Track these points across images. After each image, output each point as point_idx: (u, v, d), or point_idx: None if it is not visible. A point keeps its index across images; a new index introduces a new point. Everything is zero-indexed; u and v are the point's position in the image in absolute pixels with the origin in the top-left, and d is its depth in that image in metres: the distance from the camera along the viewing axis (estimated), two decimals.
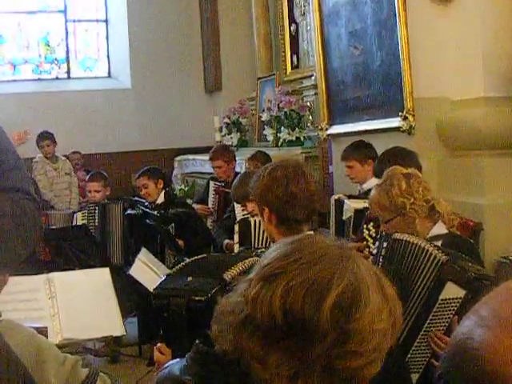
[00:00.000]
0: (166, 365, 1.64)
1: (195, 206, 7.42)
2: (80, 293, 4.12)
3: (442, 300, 2.89)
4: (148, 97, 12.11)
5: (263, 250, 3.30)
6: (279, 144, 8.96)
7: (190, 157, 10.98)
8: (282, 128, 8.91)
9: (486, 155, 5.35)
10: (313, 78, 8.39)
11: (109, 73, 12.82)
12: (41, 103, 11.41)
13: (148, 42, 12.07)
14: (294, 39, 10.06)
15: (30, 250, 1.94)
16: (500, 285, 1.04)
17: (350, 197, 5.29)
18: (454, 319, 2.82)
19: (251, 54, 11.02)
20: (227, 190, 6.93)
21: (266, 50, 10.61)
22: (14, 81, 12.21)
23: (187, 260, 3.11)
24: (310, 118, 8.91)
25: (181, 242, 6.25)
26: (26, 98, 11.45)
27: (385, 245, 3.24)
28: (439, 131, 5.70)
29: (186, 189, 10.12)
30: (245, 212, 5.35)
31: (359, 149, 5.55)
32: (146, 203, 6.66)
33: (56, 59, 12.63)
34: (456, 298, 2.84)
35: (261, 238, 4.79)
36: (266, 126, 9.46)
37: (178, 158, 11.58)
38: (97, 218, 6.64)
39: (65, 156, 9.69)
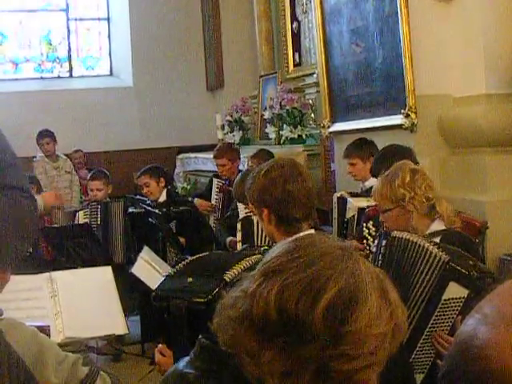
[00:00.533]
0: (176, 364, 1.64)
1: (196, 200, 7.41)
2: (82, 291, 4.12)
3: (444, 300, 2.88)
4: (150, 95, 12.12)
5: (266, 247, 3.30)
6: (281, 142, 8.95)
7: (192, 155, 10.97)
8: (284, 126, 8.90)
9: (487, 152, 5.35)
10: (315, 75, 8.38)
11: (111, 71, 12.83)
12: (43, 102, 11.43)
13: (150, 40, 12.07)
14: (296, 37, 10.05)
15: (28, 246, 1.94)
16: (503, 282, 1.04)
17: (352, 194, 5.29)
18: (457, 319, 2.81)
19: (253, 51, 11.01)
20: (231, 188, 6.93)
21: (267, 47, 10.60)
22: (16, 79, 12.23)
23: (188, 259, 3.11)
24: (312, 115, 8.90)
25: (182, 240, 6.25)
26: (28, 97, 11.46)
27: (384, 243, 3.24)
28: (441, 128, 5.70)
29: (188, 187, 10.12)
30: (247, 210, 5.35)
31: (361, 146, 5.55)
32: (148, 201, 6.66)
33: (58, 58, 12.65)
34: (459, 298, 2.83)
35: (263, 236, 4.78)
36: (268, 124, 9.45)
37: (180, 156, 11.58)
38: (99, 216, 6.64)
39: (67, 155, 9.69)
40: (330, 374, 1.36)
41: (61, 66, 12.67)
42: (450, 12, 5.54)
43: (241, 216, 5.58)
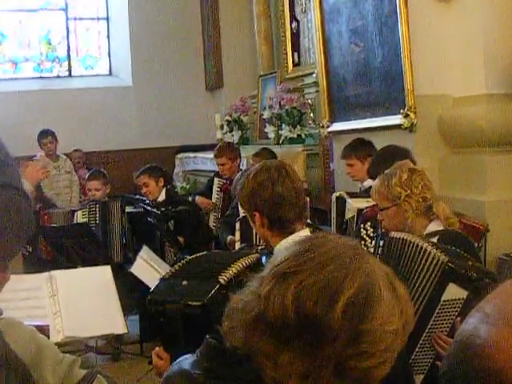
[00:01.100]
0: (176, 362, 1.62)
1: (197, 198, 7.43)
2: (82, 291, 4.12)
3: (444, 301, 2.87)
4: (149, 94, 12.11)
5: (263, 246, 3.30)
6: (280, 141, 8.96)
7: (192, 154, 10.97)
8: (284, 125, 8.91)
9: (487, 152, 5.35)
10: (314, 75, 8.38)
11: (110, 71, 12.83)
12: (42, 101, 11.43)
13: (149, 40, 12.07)
14: (295, 36, 10.05)
15: (23, 246, 1.95)
16: (503, 282, 1.04)
17: (350, 194, 5.28)
18: (456, 321, 2.80)
19: (252, 51, 11.02)
20: (231, 188, 6.94)
21: (267, 47, 10.61)
22: (16, 79, 12.23)
23: (184, 259, 3.10)
24: (312, 115, 8.90)
25: (181, 239, 6.25)
26: (28, 96, 11.46)
27: (381, 243, 3.24)
28: (441, 128, 5.70)
29: (188, 187, 10.12)
30: None
31: (359, 147, 5.55)
32: (147, 201, 6.67)
33: (57, 57, 12.64)
34: (458, 299, 2.82)
35: None
36: (267, 124, 9.46)
37: (180, 156, 11.59)
38: (97, 216, 6.64)
39: (66, 154, 9.69)
40: (348, 372, 1.37)
41: (60, 66, 12.67)
42: (449, 12, 5.54)
43: (241, 215, 5.58)
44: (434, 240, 3.31)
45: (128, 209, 6.73)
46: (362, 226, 4.51)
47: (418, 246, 3.06)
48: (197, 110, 12.10)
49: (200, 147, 10.93)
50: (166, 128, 11.95)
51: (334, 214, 5.39)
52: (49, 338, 2.82)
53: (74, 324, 3.91)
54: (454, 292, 2.85)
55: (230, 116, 10.64)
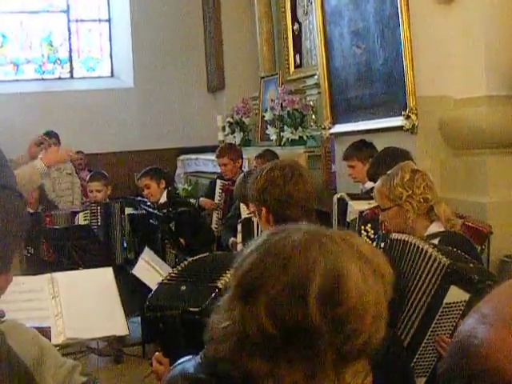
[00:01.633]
0: (177, 363, 1.61)
1: (201, 199, 7.47)
2: (83, 292, 4.12)
3: (446, 304, 2.87)
4: (151, 96, 12.13)
5: None
6: (282, 143, 8.96)
7: (193, 156, 10.98)
8: (285, 127, 8.91)
9: (488, 154, 5.35)
10: (316, 77, 8.38)
11: (112, 72, 12.84)
12: (44, 103, 11.44)
13: (151, 42, 12.08)
14: (297, 38, 10.05)
15: (20, 245, 1.95)
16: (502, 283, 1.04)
17: (352, 196, 5.28)
18: (459, 323, 2.79)
19: (254, 53, 11.01)
20: (233, 188, 6.95)
21: (268, 49, 10.61)
22: (17, 81, 12.24)
23: (183, 262, 3.09)
24: (313, 117, 8.90)
25: (182, 241, 6.26)
26: (29, 98, 11.47)
27: (382, 245, 3.24)
28: (442, 130, 5.70)
29: (189, 188, 10.12)
30: (249, 211, 5.36)
31: (360, 148, 5.56)
32: (149, 203, 6.67)
33: (59, 59, 12.66)
34: (460, 302, 2.81)
35: None
36: (268, 126, 9.46)
37: (181, 158, 11.59)
38: (99, 217, 6.65)
39: None
40: (348, 355, 1.37)
41: (62, 68, 12.68)
42: (450, 13, 5.55)
43: (242, 217, 5.59)
44: (436, 241, 3.30)
45: (129, 210, 6.74)
46: (362, 227, 4.51)
47: (419, 248, 3.05)
48: (198, 112, 12.11)
49: (202, 149, 10.93)
50: (167, 130, 11.96)
51: (335, 216, 5.39)
52: (50, 339, 2.83)
53: (76, 326, 3.91)
54: (456, 294, 2.84)
55: (232, 117, 10.65)
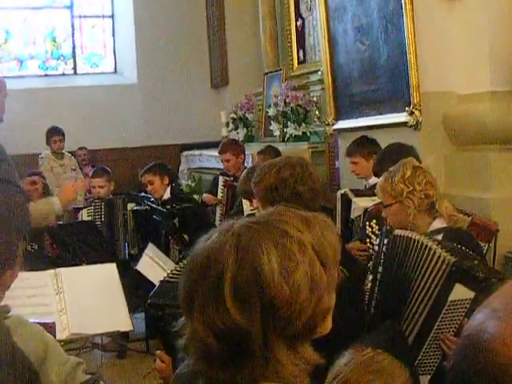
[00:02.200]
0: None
1: (204, 195, 7.47)
2: (87, 288, 4.13)
3: (451, 302, 2.86)
4: (154, 92, 12.12)
5: None
6: (286, 139, 8.96)
7: (197, 152, 10.98)
8: (289, 123, 8.91)
9: (492, 150, 5.34)
10: (319, 73, 8.38)
11: (115, 68, 12.84)
12: (47, 99, 11.44)
13: (154, 38, 12.07)
14: (301, 34, 10.04)
15: (21, 239, 1.96)
16: (510, 279, 1.04)
17: (355, 192, 5.28)
18: (464, 322, 2.78)
19: (257, 49, 11.01)
20: (236, 184, 6.94)
21: (272, 45, 10.60)
22: (21, 77, 12.23)
23: (186, 259, 3.09)
24: (317, 112, 8.90)
25: (186, 237, 6.26)
26: (33, 94, 11.47)
27: (386, 241, 3.24)
28: (446, 126, 5.69)
29: (193, 184, 10.12)
30: (252, 207, 5.35)
31: (363, 144, 5.56)
32: (153, 199, 6.67)
33: (62, 55, 12.66)
34: (465, 300, 2.81)
35: None
36: (272, 121, 9.45)
37: (185, 154, 11.59)
38: (103, 213, 6.66)
39: (71, 152, 9.70)
40: (300, 339, 1.37)
41: (65, 64, 12.69)
42: (454, 9, 5.54)
43: (245, 213, 5.58)
44: (439, 237, 3.30)
45: (132, 206, 6.74)
46: (367, 223, 4.51)
47: (423, 244, 3.05)
48: (202, 108, 12.11)
49: (205, 145, 10.93)
50: (171, 126, 11.96)
51: (338, 212, 5.39)
52: (54, 335, 2.83)
53: (80, 321, 3.92)
54: (461, 292, 2.83)
55: (235, 113, 10.64)
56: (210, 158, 9.82)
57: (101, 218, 6.65)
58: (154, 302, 2.86)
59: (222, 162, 7.43)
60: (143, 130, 12.04)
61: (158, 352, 2.79)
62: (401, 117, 5.75)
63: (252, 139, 10.41)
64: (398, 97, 5.83)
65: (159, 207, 6.35)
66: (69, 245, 5.98)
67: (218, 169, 8.05)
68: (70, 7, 12.58)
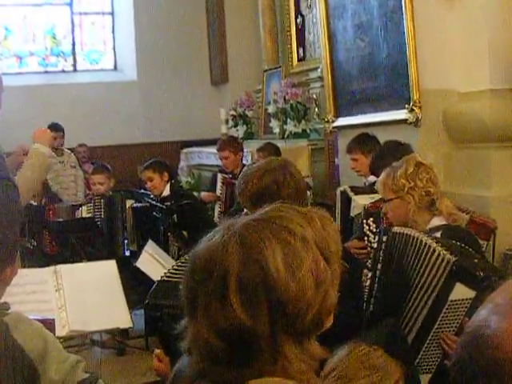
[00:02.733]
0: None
1: (202, 193, 7.47)
2: (87, 285, 4.13)
3: (451, 301, 2.86)
4: (154, 89, 12.12)
5: None
6: (285, 136, 8.96)
7: (196, 149, 10.98)
8: (288, 120, 8.91)
9: (492, 147, 5.34)
10: (319, 70, 8.37)
11: (115, 65, 12.83)
12: (47, 96, 11.44)
13: (154, 35, 12.07)
14: (300, 31, 10.04)
15: (16, 235, 1.96)
16: (508, 278, 1.04)
17: (354, 189, 5.27)
18: (464, 320, 2.78)
19: (257, 46, 11.00)
20: (235, 182, 6.94)
21: (272, 42, 10.60)
22: (20, 73, 12.23)
23: (183, 257, 3.08)
24: (316, 110, 8.90)
25: (185, 233, 6.25)
26: (32, 91, 11.47)
27: (384, 238, 3.24)
28: (445, 123, 5.69)
29: (192, 181, 10.12)
30: None
31: (364, 141, 5.55)
32: (152, 196, 6.67)
33: (62, 52, 12.65)
34: (466, 299, 2.81)
35: None
36: (272, 119, 9.46)
37: (185, 151, 11.59)
38: (102, 210, 6.65)
39: (71, 149, 9.69)
40: (307, 336, 1.37)
41: (65, 60, 12.68)
42: (454, 7, 5.53)
43: (245, 210, 5.58)
44: (438, 235, 3.31)
45: (130, 203, 6.73)
46: (364, 221, 4.51)
47: (422, 242, 3.05)
48: (202, 105, 12.10)
49: (205, 142, 10.93)
50: (170, 122, 11.96)
51: (338, 209, 5.39)
52: (54, 332, 2.84)
53: (79, 318, 3.92)
54: (461, 292, 2.83)
55: (235, 110, 10.63)
56: (210, 155, 9.82)
57: (100, 214, 6.64)
58: (151, 302, 2.84)
59: (220, 159, 7.42)
60: (143, 126, 12.04)
61: (157, 351, 2.78)
62: (400, 114, 5.75)
63: (252, 136, 10.41)
64: (398, 94, 5.83)
65: (159, 204, 6.35)
66: (68, 242, 5.98)
67: (218, 166, 8.04)
68: (70, 4, 12.57)
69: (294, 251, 1.37)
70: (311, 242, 1.40)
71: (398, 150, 4.38)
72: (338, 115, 6.95)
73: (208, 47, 12.39)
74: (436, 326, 2.91)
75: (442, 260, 2.91)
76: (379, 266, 3.22)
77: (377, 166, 4.44)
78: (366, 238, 4.44)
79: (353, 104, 6.65)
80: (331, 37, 6.87)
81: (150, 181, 6.64)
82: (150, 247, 5.43)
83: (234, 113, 10.65)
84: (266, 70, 10.53)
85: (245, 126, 10.52)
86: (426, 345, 2.95)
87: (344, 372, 1.82)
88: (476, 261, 2.90)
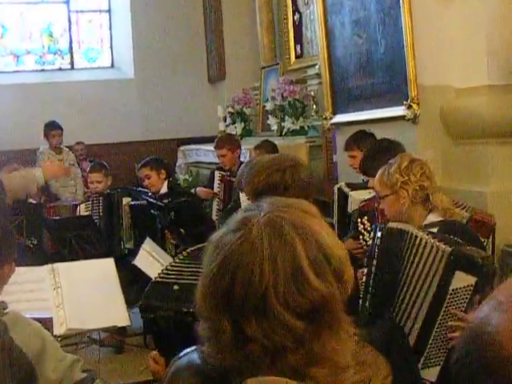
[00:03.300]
0: (182, 354, 1.60)
1: (198, 189, 7.46)
2: (85, 283, 4.12)
3: (452, 290, 2.87)
4: (151, 87, 12.11)
5: None
6: (283, 133, 8.95)
7: (194, 147, 10.96)
8: (286, 117, 8.90)
9: (490, 143, 5.34)
10: (316, 67, 8.37)
11: (112, 63, 12.81)
12: (44, 94, 11.43)
13: (151, 32, 12.06)
14: (298, 28, 10.02)
15: (13, 233, 1.96)
16: (504, 273, 1.04)
17: (350, 186, 5.27)
18: (475, 299, 2.79)
19: (255, 43, 10.99)
20: (232, 179, 6.93)
21: (269, 39, 10.58)
22: (17, 72, 12.22)
23: (177, 257, 3.07)
24: (314, 107, 8.89)
25: (182, 231, 6.25)
26: (29, 89, 11.46)
27: (379, 234, 3.24)
28: (443, 119, 5.69)
29: (190, 179, 10.12)
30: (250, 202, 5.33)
31: (361, 138, 5.54)
32: (150, 193, 6.67)
33: (59, 50, 12.63)
34: (467, 286, 2.83)
35: None
36: (269, 116, 9.44)
37: (182, 148, 11.57)
38: (101, 208, 6.65)
39: (68, 147, 9.68)
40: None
41: (62, 58, 12.65)
42: (452, 3, 5.53)
43: (242, 205, 5.58)
44: (434, 230, 3.31)
45: (126, 201, 6.72)
46: (359, 220, 4.50)
47: (416, 236, 3.07)
48: (199, 102, 12.09)
49: (202, 139, 10.91)
50: (168, 120, 11.95)
51: (335, 206, 5.39)
52: (52, 330, 2.83)
53: (77, 316, 3.91)
54: (462, 279, 2.85)
55: (233, 108, 10.62)
56: (207, 153, 9.81)
57: (98, 212, 6.64)
58: (146, 303, 2.83)
59: (217, 157, 7.42)
60: (140, 124, 12.04)
61: (153, 353, 2.77)
62: (398, 110, 5.74)
63: (249, 133, 10.40)
64: (396, 90, 5.82)
65: (156, 201, 6.35)
66: (66, 240, 5.98)
67: (215, 163, 8.04)
68: (67, 2, 12.54)
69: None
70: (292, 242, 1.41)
71: (389, 148, 4.36)
72: (335, 112, 6.94)
73: (205, 44, 12.37)
74: (440, 317, 2.92)
75: (437, 251, 2.94)
76: (374, 262, 3.23)
77: (368, 165, 4.44)
78: (360, 237, 4.44)
79: (351, 101, 6.65)
80: (329, 33, 6.86)
81: (147, 178, 6.64)
82: (148, 245, 5.43)
83: (232, 110, 10.63)
84: (263, 67, 10.52)
85: (242, 123, 10.51)
86: (432, 337, 2.95)
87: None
88: (473, 248, 2.92)
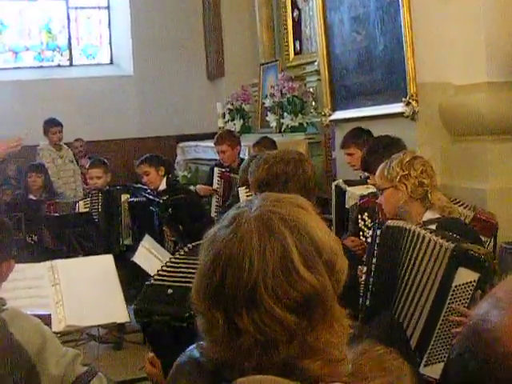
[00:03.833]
0: (188, 349, 1.60)
1: (197, 186, 7.46)
2: (84, 280, 4.13)
3: (455, 286, 2.88)
4: (150, 83, 12.11)
5: None
6: (282, 130, 8.94)
7: (193, 143, 10.96)
8: (285, 114, 8.89)
9: (489, 140, 5.34)
10: (315, 63, 8.36)
11: (111, 60, 12.81)
12: (43, 91, 11.42)
13: (150, 29, 12.05)
14: (297, 25, 10.01)
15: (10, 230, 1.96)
16: (503, 270, 1.04)
17: (348, 182, 5.27)
18: (476, 294, 2.79)
19: (254, 39, 10.98)
20: (232, 175, 6.93)
21: (268, 35, 10.57)
22: (16, 68, 12.21)
23: (173, 256, 3.06)
24: (313, 103, 8.88)
25: (181, 227, 6.25)
26: (28, 86, 11.46)
27: (378, 232, 3.24)
28: (442, 116, 5.69)
29: (189, 175, 10.12)
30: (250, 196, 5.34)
31: (358, 136, 5.54)
32: (149, 190, 6.67)
33: (58, 46, 12.63)
34: (470, 282, 2.83)
35: None
36: (268, 112, 9.44)
37: (181, 145, 11.57)
38: (99, 205, 6.65)
39: (67, 143, 9.67)
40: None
41: (61, 55, 12.65)
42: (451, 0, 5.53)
43: (241, 200, 5.57)
44: (433, 227, 3.31)
45: (125, 197, 6.72)
46: (359, 216, 4.50)
47: (416, 233, 3.07)
48: (198, 99, 12.09)
49: (201, 136, 10.91)
50: (167, 117, 11.95)
51: (333, 203, 5.39)
52: (51, 327, 2.83)
53: (76, 313, 3.92)
54: (465, 275, 2.86)
55: (232, 104, 10.61)
56: (206, 149, 9.81)
57: (98, 209, 6.64)
58: (140, 307, 2.82)
59: (217, 153, 7.42)
60: (139, 121, 12.04)
61: (149, 355, 2.77)
62: (397, 107, 5.74)
63: (248, 130, 10.39)
64: (395, 87, 5.82)
65: (155, 198, 6.35)
66: (65, 236, 5.98)
67: (215, 160, 8.04)
68: None
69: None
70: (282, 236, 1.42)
71: (390, 145, 4.37)
72: (334, 109, 6.94)
73: (204, 41, 12.37)
74: (443, 314, 2.92)
75: (440, 248, 2.93)
76: (374, 260, 3.23)
77: (369, 161, 4.44)
78: (361, 234, 4.44)
79: (350, 97, 6.64)
80: (328, 30, 6.85)
81: (146, 175, 6.64)
82: (147, 241, 5.43)
83: (231, 107, 10.63)
84: (262, 64, 10.51)
85: (241, 119, 10.50)
86: (435, 334, 2.96)
87: (358, 370, 1.83)
88: (474, 245, 2.92)
